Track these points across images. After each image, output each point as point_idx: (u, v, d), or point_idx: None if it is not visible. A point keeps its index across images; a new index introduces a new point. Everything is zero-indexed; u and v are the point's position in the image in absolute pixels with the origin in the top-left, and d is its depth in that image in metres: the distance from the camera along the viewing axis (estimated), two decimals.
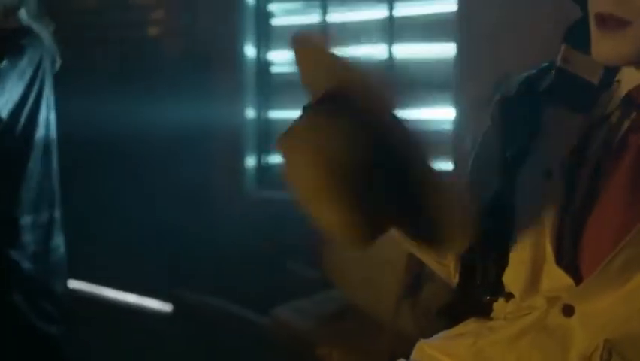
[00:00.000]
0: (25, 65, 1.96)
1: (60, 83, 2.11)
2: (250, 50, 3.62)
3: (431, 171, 1.00)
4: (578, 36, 1.13)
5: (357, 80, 0.98)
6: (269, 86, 3.66)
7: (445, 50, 3.11)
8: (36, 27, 2.01)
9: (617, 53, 1.08)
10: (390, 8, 3.28)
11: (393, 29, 3.29)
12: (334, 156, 0.96)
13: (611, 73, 1.16)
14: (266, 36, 3.66)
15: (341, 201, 0.98)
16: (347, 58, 0.98)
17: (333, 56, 0.98)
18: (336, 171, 0.96)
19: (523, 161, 1.19)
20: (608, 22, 1.07)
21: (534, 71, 1.23)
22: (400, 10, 3.28)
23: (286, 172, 0.99)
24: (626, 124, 1.11)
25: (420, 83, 3.23)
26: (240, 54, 3.60)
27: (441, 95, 3.15)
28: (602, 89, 1.16)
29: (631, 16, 1.05)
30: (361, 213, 0.99)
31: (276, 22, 3.66)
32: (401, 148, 0.98)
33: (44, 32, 2.03)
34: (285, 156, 1.00)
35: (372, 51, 3.34)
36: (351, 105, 0.96)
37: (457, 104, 3.06)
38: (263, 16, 3.65)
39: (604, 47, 1.09)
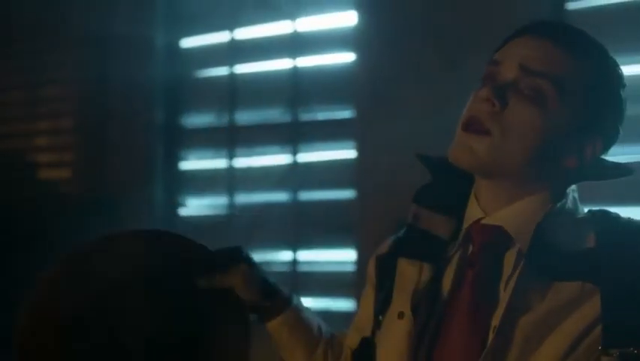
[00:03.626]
0: None
1: None
2: (159, 195, 3.68)
3: None
4: (427, 197, 1.25)
5: None
6: (178, 230, 3.69)
7: (346, 193, 3.23)
8: None
9: (469, 154, 1.18)
10: (294, 154, 3.41)
11: (297, 174, 3.40)
12: None
13: (461, 222, 1.25)
14: (174, 180, 3.72)
15: None
16: None
17: None
18: None
19: (387, 306, 1.28)
20: (473, 125, 1.17)
21: (403, 231, 1.35)
22: (304, 157, 3.40)
23: None
24: (464, 259, 1.21)
25: (322, 225, 3.32)
26: (149, 199, 3.65)
27: (342, 237, 3.24)
28: (454, 237, 1.26)
29: (494, 130, 1.16)
30: None
31: (184, 166, 3.75)
32: None
33: None
34: None
35: (275, 195, 3.45)
36: None
37: (358, 245, 3.15)
38: (172, 160, 3.73)
39: (459, 146, 1.19)
